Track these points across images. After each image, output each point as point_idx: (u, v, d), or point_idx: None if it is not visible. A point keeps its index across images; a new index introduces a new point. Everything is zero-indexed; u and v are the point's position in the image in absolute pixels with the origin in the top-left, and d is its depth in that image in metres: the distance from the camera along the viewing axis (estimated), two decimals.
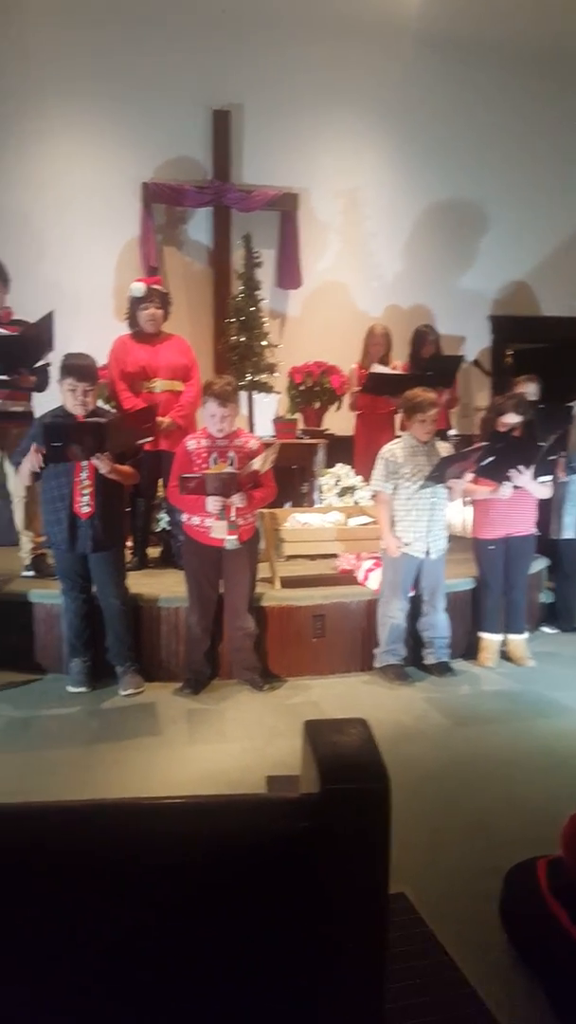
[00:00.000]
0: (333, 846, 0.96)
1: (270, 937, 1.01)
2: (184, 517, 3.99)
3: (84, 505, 3.74)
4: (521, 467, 4.14)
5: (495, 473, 4.19)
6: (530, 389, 5.12)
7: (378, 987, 1.00)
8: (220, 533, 3.85)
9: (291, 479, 5.71)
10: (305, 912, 0.99)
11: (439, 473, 4.01)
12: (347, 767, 0.97)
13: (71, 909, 0.96)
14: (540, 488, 4.30)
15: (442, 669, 4.26)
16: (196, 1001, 0.99)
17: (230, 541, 3.86)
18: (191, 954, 1.00)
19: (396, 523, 4.16)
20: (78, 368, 3.73)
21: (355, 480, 5.32)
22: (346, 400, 5.92)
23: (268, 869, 1.00)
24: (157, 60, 6.15)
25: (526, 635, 4.55)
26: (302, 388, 5.91)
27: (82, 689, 3.95)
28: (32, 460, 3.62)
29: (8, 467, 4.40)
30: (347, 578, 4.70)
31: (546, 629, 5.08)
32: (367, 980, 0.98)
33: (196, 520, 3.90)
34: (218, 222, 6.33)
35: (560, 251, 7.14)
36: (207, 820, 1.00)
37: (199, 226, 6.43)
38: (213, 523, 3.84)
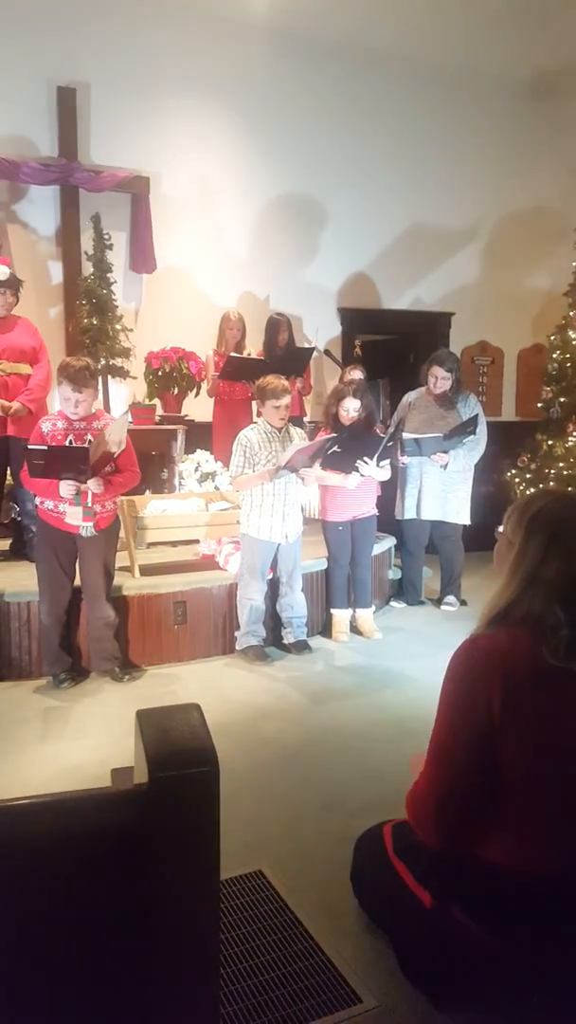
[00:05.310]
0: (163, 834, 0.98)
1: (107, 932, 1.01)
2: (38, 501, 3.85)
3: None
4: (366, 458, 4.43)
5: (342, 464, 4.46)
6: (355, 376, 5.37)
7: (212, 967, 1.03)
8: (75, 519, 3.74)
9: (150, 465, 5.64)
10: (140, 902, 1.00)
11: (294, 463, 4.10)
12: (174, 754, 0.98)
13: None
14: (381, 472, 4.60)
15: (300, 647, 4.40)
16: (36, 994, 0.98)
17: (85, 528, 3.76)
18: (33, 951, 0.99)
19: (252, 510, 4.22)
20: None
21: (215, 466, 5.33)
22: (204, 386, 5.90)
23: (102, 862, 1.00)
24: None
25: (372, 609, 4.82)
26: (160, 374, 5.83)
27: None
28: None
29: None
30: (208, 563, 4.71)
31: (395, 603, 5.37)
32: (199, 962, 1.00)
33: (50, 504, 3.77)
34: (66, 202, 6.10)
35: (394, 247, 7.37)
36: (33, 821, 0.99)
37: (46, 205, 6.18)
38: (68, 508, 3.73)
